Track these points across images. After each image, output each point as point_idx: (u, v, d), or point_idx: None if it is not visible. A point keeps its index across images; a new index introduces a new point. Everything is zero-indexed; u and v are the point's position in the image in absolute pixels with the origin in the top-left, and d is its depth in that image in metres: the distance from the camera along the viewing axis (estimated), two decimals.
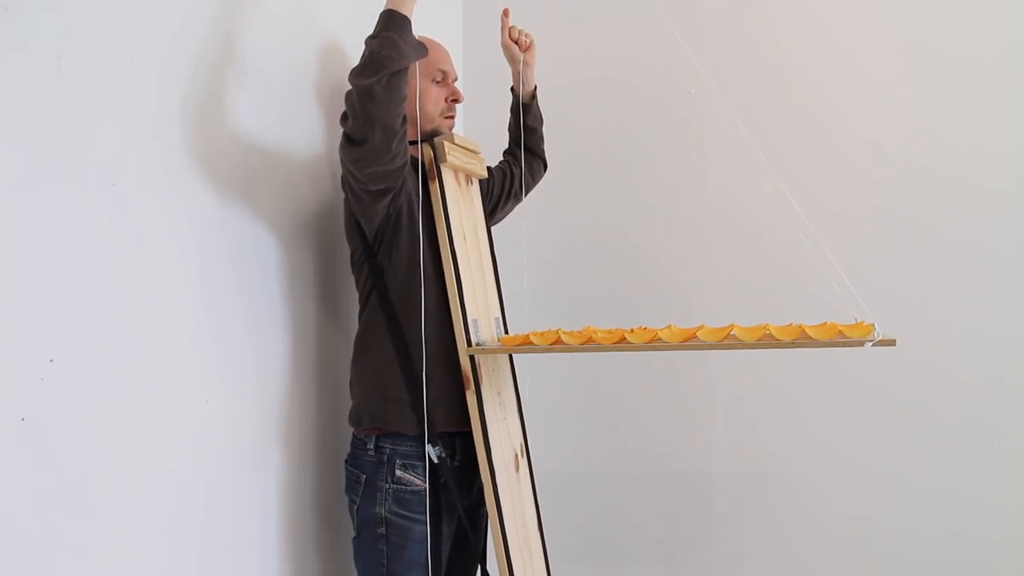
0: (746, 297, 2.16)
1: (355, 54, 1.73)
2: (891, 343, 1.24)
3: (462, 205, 1.60)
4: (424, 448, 1.46)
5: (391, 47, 1.35)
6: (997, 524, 2.02)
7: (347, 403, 1.56)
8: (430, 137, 1.56)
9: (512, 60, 1.79)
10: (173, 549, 1.23)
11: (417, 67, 1.49)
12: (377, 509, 1.47)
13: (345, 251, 1.58)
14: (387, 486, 1.47)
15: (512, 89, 1.83)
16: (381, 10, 1.40)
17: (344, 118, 1.40)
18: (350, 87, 1.38)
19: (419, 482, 1.47)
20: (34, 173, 1.00)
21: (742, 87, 2.17)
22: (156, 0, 1.20)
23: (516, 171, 1.83)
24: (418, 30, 1.45)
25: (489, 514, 1.48)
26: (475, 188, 1.69)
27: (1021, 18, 2.03)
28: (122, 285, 1.13)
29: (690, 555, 2.21)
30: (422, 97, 1.55)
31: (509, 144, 1.87)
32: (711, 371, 2.20)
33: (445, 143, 1.52)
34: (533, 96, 1.83)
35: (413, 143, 1.54)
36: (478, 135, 2.04)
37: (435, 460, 1.45)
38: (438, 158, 1.52)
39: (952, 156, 2.05)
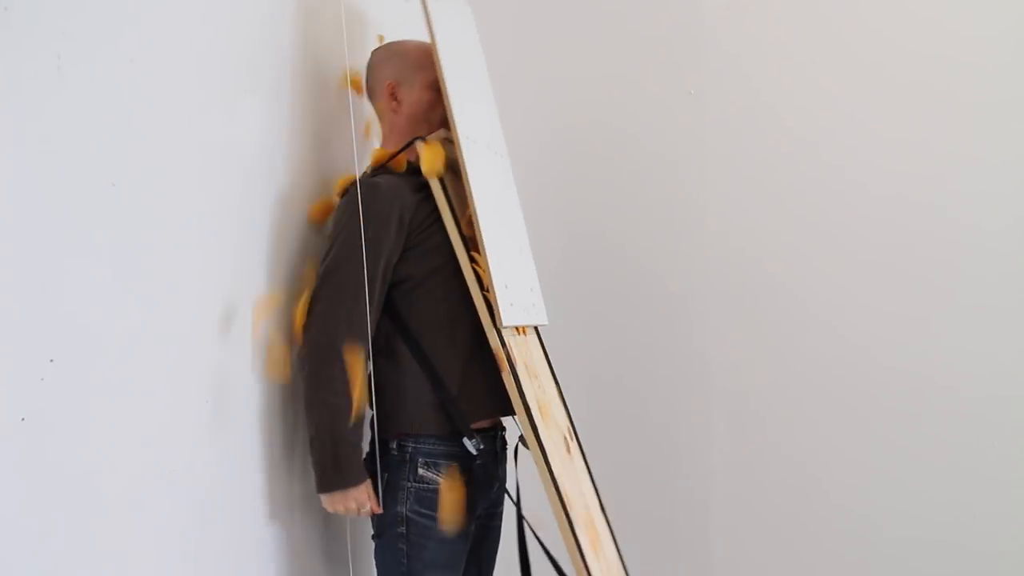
0: (744, 298, 2.17)
1: (356, 54, 1.73)
2: None
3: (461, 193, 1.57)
4: (448, 447, 1.47)
5: (312, 434, 1.42)
6: (997, 527, 2.00)
7: None
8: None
9: None
10: (173, 549, 1.23)
11: (418, 75, 1.55)
12: (398, 508, 1.46)
13: None
14: (409, 485, 1.46)
15: None
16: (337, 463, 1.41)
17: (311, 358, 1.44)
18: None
19: (441, 481, 1.47)
20: (34, 173, 1.00)
21: (740, 88, 2.17)
22: (156, 0, 1.20)
23: None
24: (415, 36, 1.45)
25: (552, 504, 1.41)
26: None
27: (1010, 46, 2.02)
28: (122, 285, 1.13)
29: (689, 557, 2.21)
30: (426, 106, 1.57)
31: None
32: (712, 372, 2.20)
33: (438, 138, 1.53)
34: None
35: (411, 143, 1.54)
36: None
37: (474, 452, 1.45)
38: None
39: (950, 159, 2.05)
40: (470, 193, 1.46)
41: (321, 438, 1.41)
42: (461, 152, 1.46)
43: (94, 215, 1.09)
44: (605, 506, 1.63)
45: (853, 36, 2.12)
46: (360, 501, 1.41)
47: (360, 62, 1.77)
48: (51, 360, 1.02)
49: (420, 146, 1.51)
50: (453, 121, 1.47)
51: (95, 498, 1.08)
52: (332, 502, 1.42)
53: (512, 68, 2.22)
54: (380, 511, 1.45)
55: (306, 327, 1.44)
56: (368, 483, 1.43)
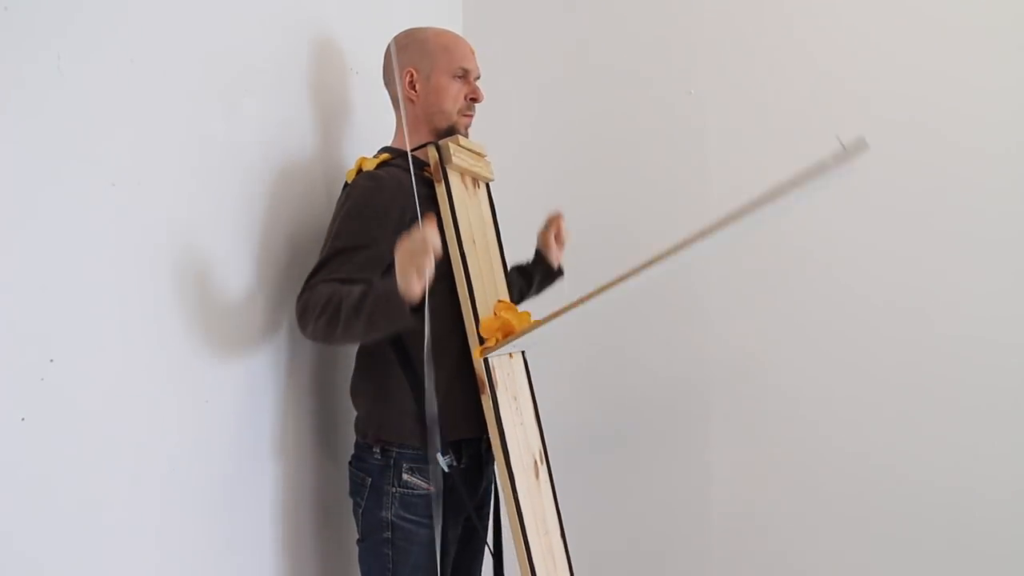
0: (745, 297, 2.16)
1: (355, 54, 1.73)
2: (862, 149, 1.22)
3: (469, 208, 1.57)
4: (431, 454, 1.45)
5: (369, 330, 1.33)
6: (1005, 519, 1.99)
7: (347, 403, 1.55)
8: (446, 134, 1.54)
9: (545, 246, 1.77)
10: (173, 549, 1.23)
11: (438, 62, 1.52)
12: (383, 513, 1.45)
13: None
14: (393, 490, 1.45)
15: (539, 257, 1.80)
16: (387, 284, 1.31)
17: (302, 322, 1.38)
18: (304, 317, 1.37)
19: (426, 486, 1.45)
20: (34, 173, 1.00)
21: (740, 88, 2.17)
22: (156, 0, 1.20)
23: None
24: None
25: (511, 523, 1.44)
26: (483, 191, 1.66)
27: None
28: (122, 285, 1.13)
29: (688, 557, 2.21)
30: (441, 93, 1.53)
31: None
32: (712, 373, 2.20)
33: (451, 145, 1.50)
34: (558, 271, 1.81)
35: (425, 146, 1.52)
36: (475, 134, 2.04)
37: (446, 470, 1.42)
38: (443, 160, 1.49)
39: (953, 157, 2.04)
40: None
41: (358, 311, 1.32)
42: None
43: (94, 215, 1.09)
44: (566, 534, 1.63)
45: (854, 37, 2.11)
46: (409, 235, 1.29)
47: (361, 61, 1.77)
48: (51, 360, 1.02)
49: (431, 151, 1.49)
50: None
51: (95, 498, 1.08)
52: (406, 280, 1.28)
53: (511, 68, 2.23)
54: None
55: (298, 315, 1.40)
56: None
